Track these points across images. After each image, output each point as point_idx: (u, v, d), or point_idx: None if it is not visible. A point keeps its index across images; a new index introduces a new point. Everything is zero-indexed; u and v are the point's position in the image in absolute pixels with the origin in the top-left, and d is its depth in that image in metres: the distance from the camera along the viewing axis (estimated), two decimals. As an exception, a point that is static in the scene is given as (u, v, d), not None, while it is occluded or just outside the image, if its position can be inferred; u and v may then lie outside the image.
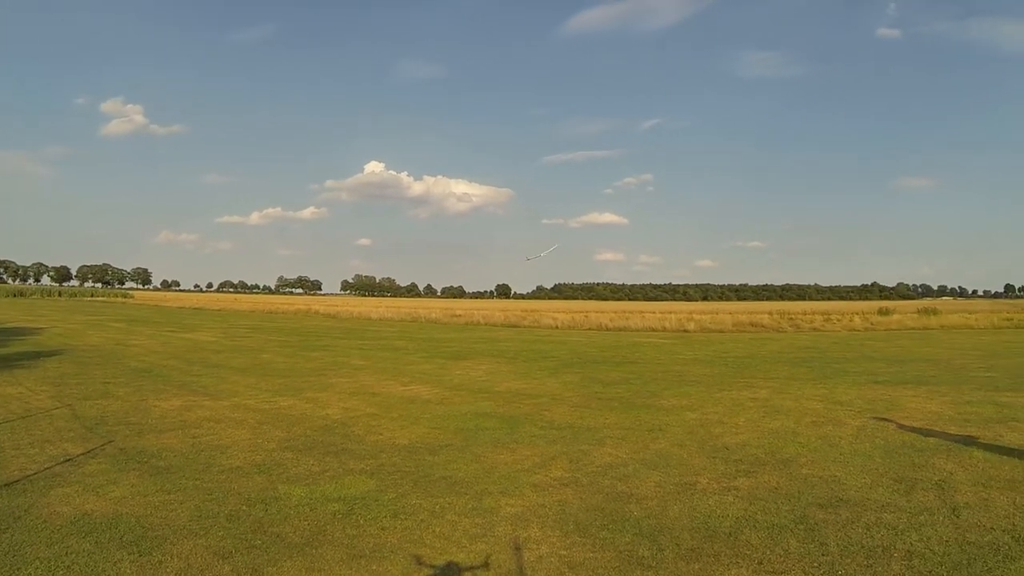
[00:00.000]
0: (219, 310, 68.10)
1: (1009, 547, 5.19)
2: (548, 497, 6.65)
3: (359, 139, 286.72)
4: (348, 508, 6.25)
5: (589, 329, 40.60)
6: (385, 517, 6.00)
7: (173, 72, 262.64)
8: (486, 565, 4.96)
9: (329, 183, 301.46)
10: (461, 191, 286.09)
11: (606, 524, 5.87)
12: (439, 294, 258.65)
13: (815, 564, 4.93)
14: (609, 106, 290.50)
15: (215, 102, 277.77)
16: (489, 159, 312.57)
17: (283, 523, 5.82)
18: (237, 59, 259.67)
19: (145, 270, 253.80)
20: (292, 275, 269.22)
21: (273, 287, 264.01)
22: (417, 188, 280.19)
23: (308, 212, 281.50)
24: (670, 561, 5.04)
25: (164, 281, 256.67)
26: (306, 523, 5.83)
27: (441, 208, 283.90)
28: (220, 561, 4.97)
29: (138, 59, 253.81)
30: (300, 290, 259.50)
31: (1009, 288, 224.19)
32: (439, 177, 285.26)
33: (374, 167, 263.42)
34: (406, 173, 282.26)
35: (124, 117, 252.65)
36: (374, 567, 4.92)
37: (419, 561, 5.03)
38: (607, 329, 40.38)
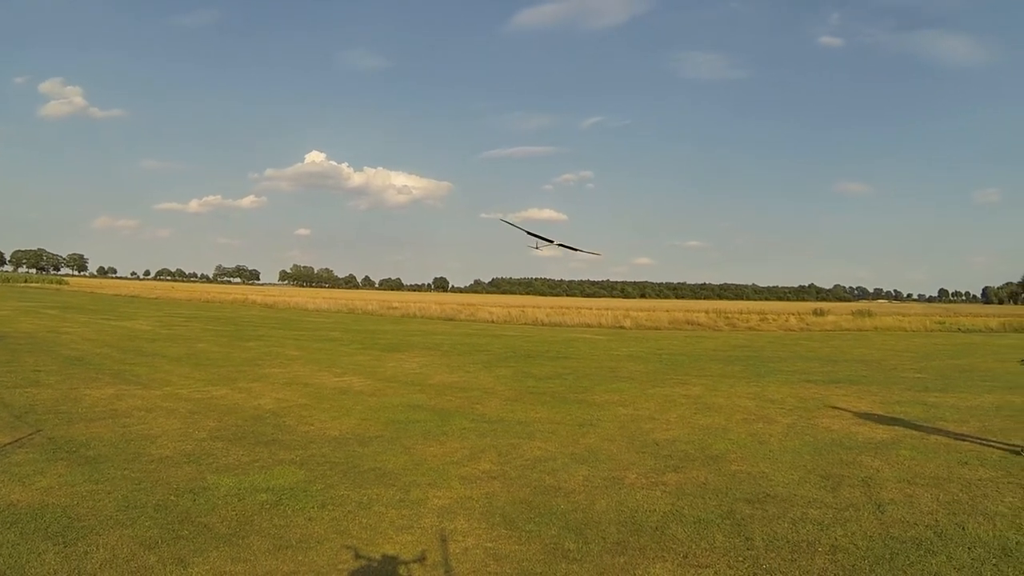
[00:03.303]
0: (156, 298, 68.09)
1: (931, 542, 5.56)
2: (476, 490, 6.90)
3: (301, 128, 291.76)
4: (276, 498, 6.41)
5: (525, 324, 41.76)
6: (313, 508, 6.18)
7: (115, 54, 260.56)
8: (413, 557, 5.13)
9: (269, 172, 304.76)
10: (401, 183, 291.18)
11: (533, 517, 6.10)
12: (377, 286, 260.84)
13: (740, 558, 5.22)
14: (551, 103, 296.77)
15: (157, 86, 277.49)
16: (430, 152, 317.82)
17: (211, 513, 5.96)
18: (180, 43, 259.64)
19: (81, 256, 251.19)
20: (230, 264, 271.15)
21: (211, 276, 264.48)
22: (357, 179, 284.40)
23: (248, 201, 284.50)
24: (596, 554, 5.28)
25: (101, 268, 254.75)
26: (234, 513, 5.98)
27: (381, 200, 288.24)
28: (146, 551, 5.06)
29: (79, 40, 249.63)
30: (238, 279, 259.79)
31: (943, 292, 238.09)
32: (379, 169, 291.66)
33: (315, 157, 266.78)
34: (347, 164, 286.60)
35: (63, 99, 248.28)
36: (300, 558, 5.07)
37: (345, 552, 5.19)
38: (543, 324, 41.62)
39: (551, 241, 18.08)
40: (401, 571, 4.95)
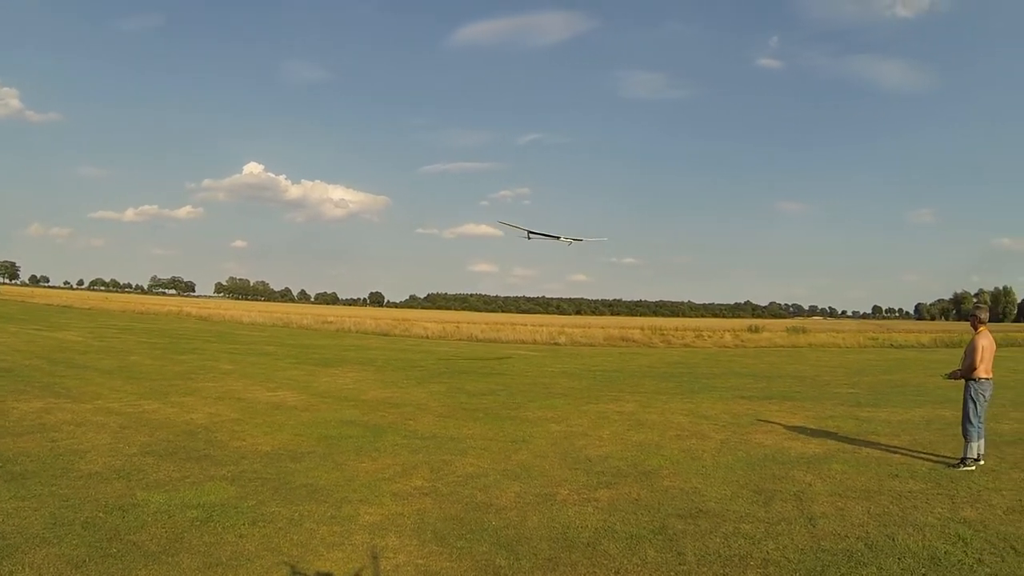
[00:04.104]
0: (89, 309, 67.07)
1: (862, 554, 5.74)
2: (407, 506, 6.96)
3: (239, 138, 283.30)
4: (207, 515, 6.40)
5: (460, 340, 42.31)
6: (244, 524, 6.18)
7: (53, 57, 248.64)
8: (344, 574, 5.17)
9: (207, 182, 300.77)
10: (338, 196, 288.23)
11: (464, 534, 6.17)
12: (312, 300, 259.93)
13: (672, 573, 5.31)
14: (490, 119, 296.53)
15: (96, 91, 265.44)
16: (368, 165, 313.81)
17: (140, 531, 5.92)
18: (121, 48, 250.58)
19: (12, 264, 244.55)
20: (166, 275, 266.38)
21: (146, 287, 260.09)
22: (295, 191, 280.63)
23: (184, 211, 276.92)
24: (527, 571, 5.34)
25: (33, 276, 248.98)
26: (163, 530, 5.95)
27: (318, 213, 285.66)
28: (73, 570, 5.01)
29: (16, 40, 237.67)
30: (173, 291, 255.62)
31: (877, 309, 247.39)
32: (317, 181, 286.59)
33: (253, 168, 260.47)
34: (284, 176, 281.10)
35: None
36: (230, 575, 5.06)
37: (276, 570, 5.20)
38: (478, 340, 42.16)
39: (557, 237, 18.21)
40: None
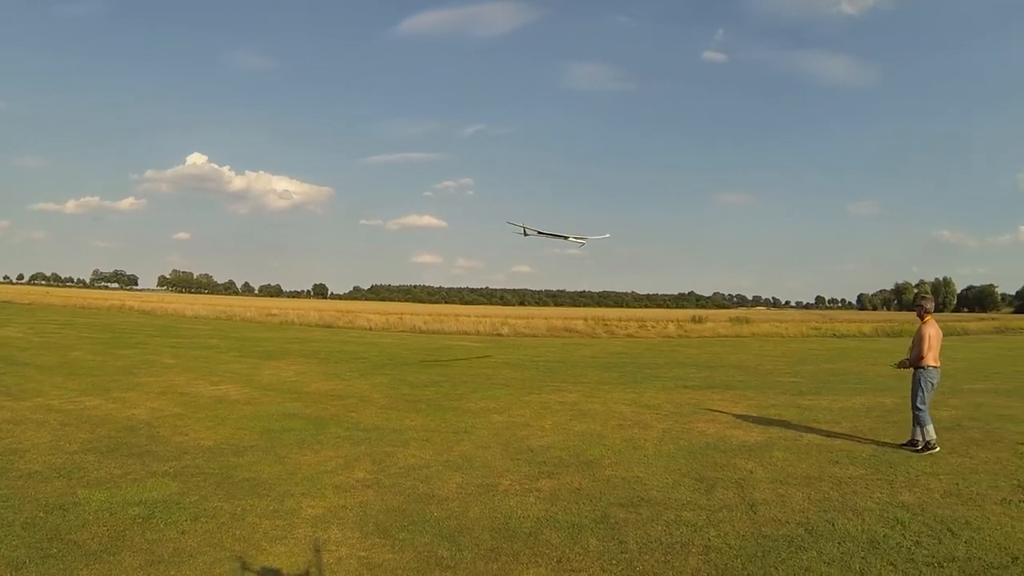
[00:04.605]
0: (29, 304, 66.00)
1: (802, 539, 5.89)
2: (350, 498, 6.97)
3: (183, 129, 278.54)
4: (149, 512, 6.33)
5: (403, 331, 42.40)
6: (186, 521, 6.13)
7: None
8: (287, 568, 5.16)
9: (150, 173, 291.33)
10: (282, 187, 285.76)
11: (406, 525, 6.20)
12: (256, 292, 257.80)
13: (614, 561, 5.38)
14: (434, 109, 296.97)
15: (35, 79, 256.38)
16: (312, 156, 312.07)
17: (81, 530, 5.83)
18: (61, 35, 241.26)
19: None
20: (108, 268, 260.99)
21: (88, 281, 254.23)
22: (239, 183, 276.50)
23: (127, 203, 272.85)
24: (469, 561, 5.38)
25: None
26: (105, 529, 5.86)
27: (261, 204, 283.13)
28: (13, 572, 4.93)
29: None
30: (116, 284, 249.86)
31: (820, 299, 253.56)
32: (261, 172, 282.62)
33: (196, 159, 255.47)
34: (228, 167, 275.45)
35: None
36: (173, 572, 5.03)
37: (218, 565, 5.17)
38: (421, 332, 42.26)
39: (566, 237, 18.09)
40: None
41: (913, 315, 10.43)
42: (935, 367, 9.50)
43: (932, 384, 9.48)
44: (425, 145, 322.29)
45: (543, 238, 18.29)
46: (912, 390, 9.56)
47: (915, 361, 9.51)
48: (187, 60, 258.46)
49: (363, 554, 5.50)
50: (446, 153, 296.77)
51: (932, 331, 9.49)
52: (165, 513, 6.32)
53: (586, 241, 19.85)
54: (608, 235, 20.04)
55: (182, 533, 5.84)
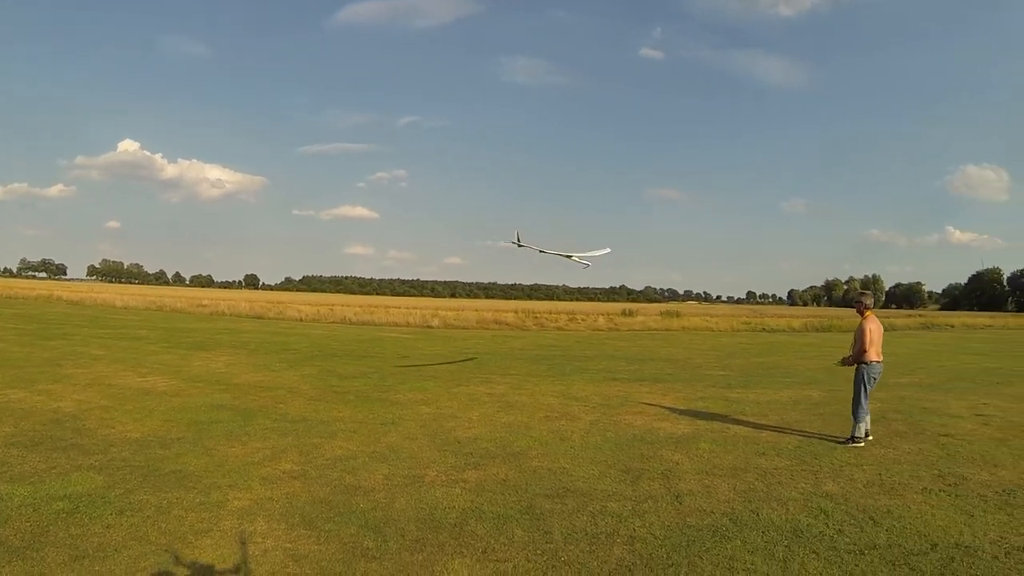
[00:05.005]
0: None
1: (727, 528, 6.00)
2: (276, 490, 6.95)
3: (114, 114, 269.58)
4: (73, 506, 6.23)
5: (334, 322, 42.55)
6: (111, 515, 6.04)
7: None
8: (212, 561, 5.14)
9: (80, 159, 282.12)
10: (215, 176, 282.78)
11: (332, 516, 6.20)
12: (188, 282, 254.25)
13: (539, 551, 5.43)
14: (369, 100, 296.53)
15: None
16: (246, 145, 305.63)
17: (4, 525, 5.73)
18: None
19: None
20: (36, 257, 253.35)
21: (15, 270, 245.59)
22: (171, 171, 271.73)
23: (56, 190, 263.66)
24: (394, 552, 5.40)
25: None
26: (28, 524, 5.76)
27: (194, 193, 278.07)
28: None
29: None
30: (44, 274, 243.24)
31: (751, 294, 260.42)
32: (194, 161, 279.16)
33: (128, 146, 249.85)
34: (160, 154, 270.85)
35: None
36: (97, 568, 4.94)
37: (143, 559, 5.11)
38: (352, 323, 42.44)
39: (569, 256, 17.85)
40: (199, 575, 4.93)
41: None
42: (878, 362, 9.71)
43: (874, 378, 9.71)
44: (360, 136, 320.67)
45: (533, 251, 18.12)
46: (855, 384, 9.75)
47: (857, 356, 9.71)
48: (120, 43, 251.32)
49: (289, 546, 5.49)
50: (380, 144, 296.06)
51: (873, 326, 9.69)
52: (90, 507, 6.23)
53: (590, 264, 19.85)
54: (608, 250, 19.99)
55: (107, 527, 5.76)
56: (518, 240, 16.02)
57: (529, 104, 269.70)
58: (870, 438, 9.61)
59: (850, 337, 10.09)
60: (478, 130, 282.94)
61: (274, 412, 11.10)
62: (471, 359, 18.33)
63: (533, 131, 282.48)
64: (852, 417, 9.67)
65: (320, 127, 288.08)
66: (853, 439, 9.53)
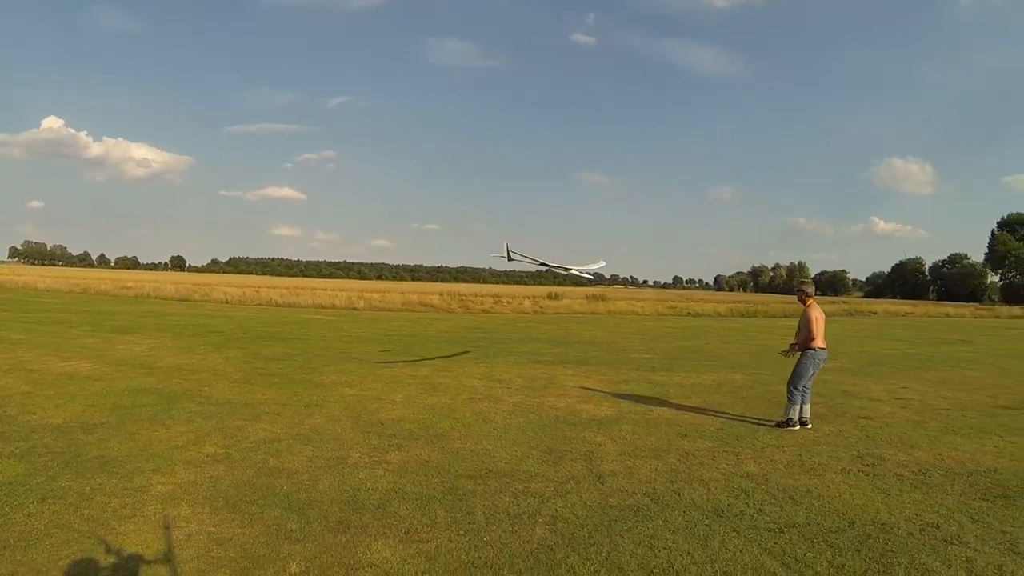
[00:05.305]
0: None
1: (648, 508, 6.12)
2: (200, 474, 6.88)
3: (38, 90, 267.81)
4: None
5: (260, 304, 42.43)
6: (32, 503, 5.91)
7: None
8: (136, 547, 5.06)
9: (2, 137, 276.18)
10: (141, 155, 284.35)
11: (256, 499, 6.17)
12: (113, 264, 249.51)
13: (461, 532, 5.46)
14: (298, 80, 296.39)
15: None
16: (173, 124, 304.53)
17: None
18: None
19: None
20: None
21: None
22: (96, 149, 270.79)
23: None
24: (317, 533, 5.40)
25: None
26: None
27: (119, 172, 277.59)
28: None
29: None
30: None
31: (677, 279, 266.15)
32: (120, 139, 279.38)
33: (52, 123, 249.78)
34: (85, 132, 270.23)
35: None
36: (19, 557, 4.84)
37: (66, 547, 5.01)
38: (278, 305, 42.39)
39: (568, 269, 17.51)
40: (123, 562, 4.85)
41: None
42: (822, 348, 9.91)
43: (818, 364, 9.92)
44: (288, 116, 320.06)
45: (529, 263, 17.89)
46: (796, 370, 9.92)
47: (804, 344, 9.89)
48: (45, 14, 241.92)
49: (213, 529, 5.45)
50: (309, 125, 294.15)
51: (817, 313, 9.90)
52: (11, 496, 6.07)
53: (592, 277, 19.73)
54: (603, 263, 19.94)
55: (29, 516, 5.62)
56: (508, 254, 15.90)
57: (459, 87, 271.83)
58: (809, 426, 9.79)
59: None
60: (408, 112, 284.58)
61: (198, 395, 10.98)
62: (465, 352, 18.03)
63: (463, 114, 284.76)
64: (788, 399, 9.88)
65: (248, 106, 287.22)
66: (788, 422, 9.76)
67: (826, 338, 10.04)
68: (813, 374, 9.95)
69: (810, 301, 10.11)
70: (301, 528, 5.52)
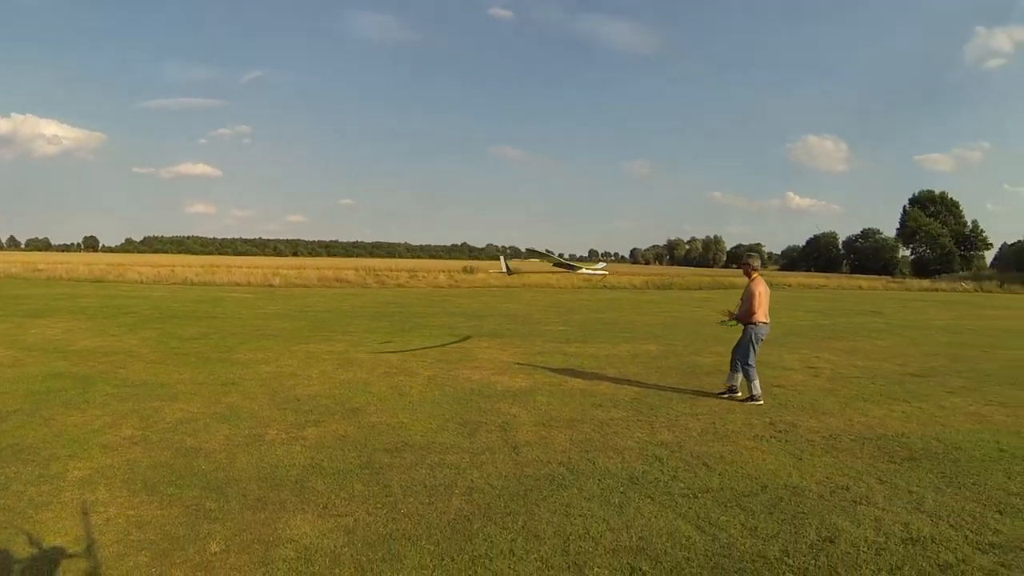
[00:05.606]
0: None
1: (563, 477, 6.21)
2: (117, 457, 6.72)
3: None
4: None
5: (175, 284, 41.46)
6: None
7: None
8: (54, 534, 4.94)
9: None
10: (51, 132, 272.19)
11: (174, 480, 6.07)
12: (23, 246, 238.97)
13: (379, 504, 5.48)
14: (213, 54, 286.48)
15: None
16: (84, 99, 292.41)
17: None
18: None
19: None
20: None
21: None
22: (3, 126, 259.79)
23: None
24: (236, 512, 5.35)
25: None
26: None
27: (28, 150, 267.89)
28: None
29: None
30: None
31: (593, 252, 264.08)
32: (28, 115, 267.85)
33: None
34: None
35: None
36: None
37: None
38: (193, 284, 41.57)
39: (578, 268, 16.96)
40: (42, 551, 4.71)
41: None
42: (765, 323, 9.95)
43: (761, 339, 9.94)
44: (203, 90, 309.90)
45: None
46: (740, 345, 9.96)
47: (745, 317, 9.93)
48: None
49: (131, 512, 5.35)
50: (225, 99, 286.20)
51: (761, 288, 9.93)
52: None
53: (606, 272, 19.34)
54: (604, 264, 19.64)
55: None
56: (507, 269, 15.60)
57: (377, 60, 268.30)
58: (761, 402, 9.78)
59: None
60: (324, 86, 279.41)
61: (114, 378, 10.68)
62: (466, 338, 17.64)
63: (380, 87, 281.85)
64: (744, 375, 9.95)
65: (162, 81, 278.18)
66: (752, 398, 9.82)
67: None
68: (758, 347, 9.97)
69: (755, 275, 10.12)
70: (220, 507, 5.46)
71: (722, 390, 10.26)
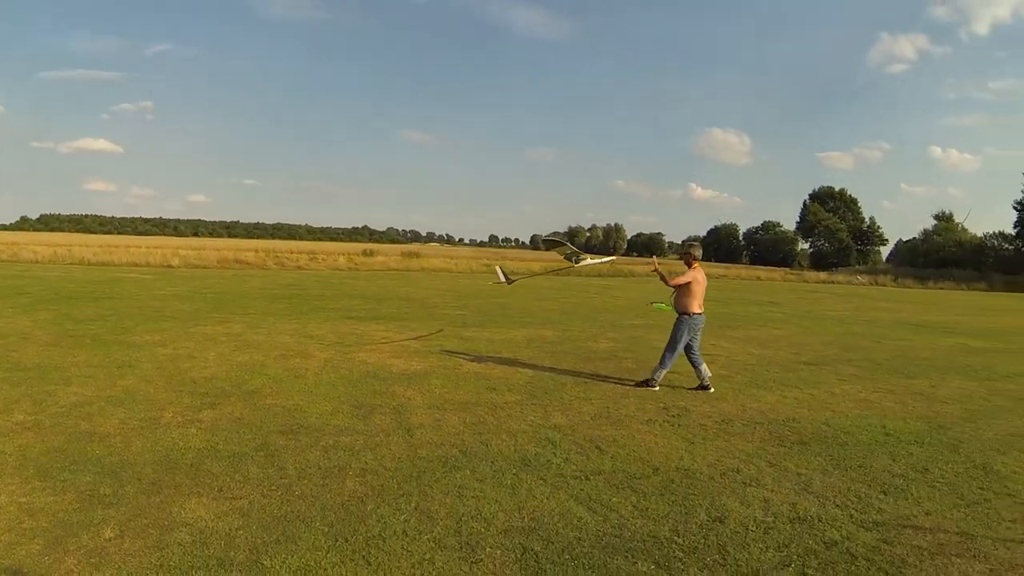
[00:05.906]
0: None
1: (456, 459, 6.33)
2: (8, 443, 6.51)
3: None
4: None
5: (71, 264, 40.25)
6: None
7: None
8: None
9: None
10: None
11: (68, 465, 5.93)
12: None
13: (273, 487, 5.50)
14: (117, 25, 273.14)
15: None
16: None
17: None
18: None
19: None
20: None
21: None
22: None
23: None
24: (131, 496, 5.28)
25: None
26: None
27: None
28: None
29: None
30: None
31: (493, 238, 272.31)
32: None
33: None
34: None
35: None
36: None
37: None
38: (90, 264, 40.51)
39: (584, 258, 16.32)
40: None
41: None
42: (699, 314, 9.98)
43: (694, 330, 9.95)
44: (106, 63, 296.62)
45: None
46: (673, 335, 9.94)
47: (681, 309, 9.91)
48: None
49: (23, 500, 5.21)
50: (128, 72, 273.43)
51: (699, 277, 9.96)
52: None
53: (613, 259, 18.82)
54: (614, 257, 19.15)
55: None
56: (506, 279, 15.34)
57: (283, 39, 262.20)
58: (711, 389, 9.91)
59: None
60: (231, 62, 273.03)
61: (5, 361, 10.32)
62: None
63: (288, 66, 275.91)
64: (660, 361, 10.00)
65: (62, 51, 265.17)
66: (650, 381, 9.98)
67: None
68: (691, 338, 9.97)
69: (696, 265, 10.09)
70: (114, 492, 5.39)
71: (648, 378, 10.22)
